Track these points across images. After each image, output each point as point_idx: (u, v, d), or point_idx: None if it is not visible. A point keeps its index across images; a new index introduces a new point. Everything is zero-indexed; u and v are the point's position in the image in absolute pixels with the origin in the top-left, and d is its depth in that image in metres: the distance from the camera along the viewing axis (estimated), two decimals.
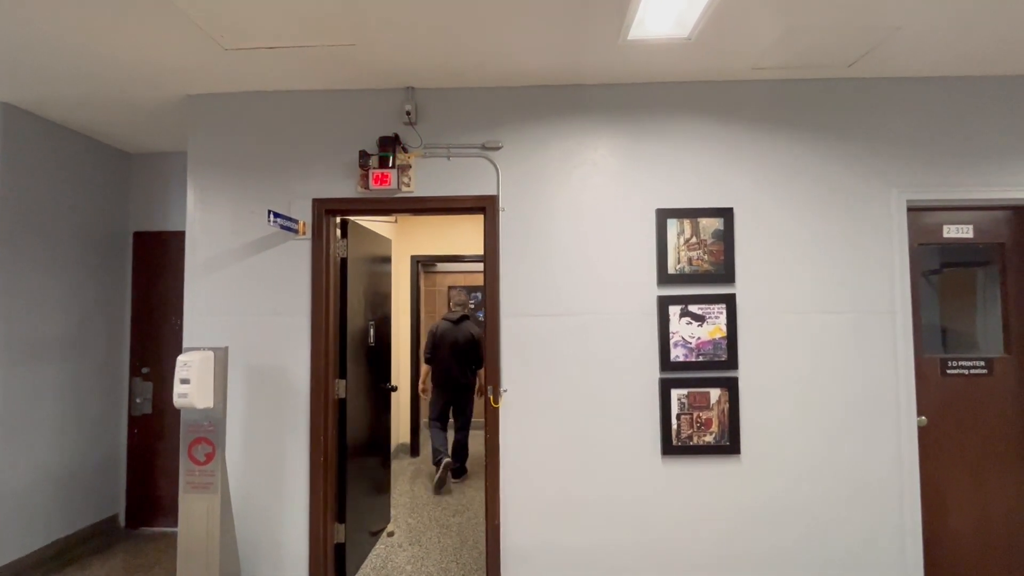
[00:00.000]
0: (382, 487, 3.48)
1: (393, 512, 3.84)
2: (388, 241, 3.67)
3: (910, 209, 2.67)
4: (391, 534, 3.46)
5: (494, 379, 2.66)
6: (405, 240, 5.49)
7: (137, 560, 3.16)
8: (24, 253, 3.00)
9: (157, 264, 3.72)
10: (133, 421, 3.66)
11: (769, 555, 2.57)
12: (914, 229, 2.69)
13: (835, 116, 2.66)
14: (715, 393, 2.59)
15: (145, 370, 3.68)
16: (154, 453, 3.63)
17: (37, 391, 3.07)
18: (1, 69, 2.53)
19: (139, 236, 3.74)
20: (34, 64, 2.48)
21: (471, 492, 4.24)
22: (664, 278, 2.63)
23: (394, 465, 5.03)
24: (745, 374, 2.61)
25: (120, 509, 3.62)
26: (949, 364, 2.65)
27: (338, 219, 2.90)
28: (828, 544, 2.56)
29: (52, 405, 3.17)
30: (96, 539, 3.42)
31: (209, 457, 2.43)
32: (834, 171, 2.65)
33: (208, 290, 2.76)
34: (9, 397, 2.90)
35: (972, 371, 2.64)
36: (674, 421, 2.59)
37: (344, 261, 2.91)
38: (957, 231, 2.71)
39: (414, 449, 5.36)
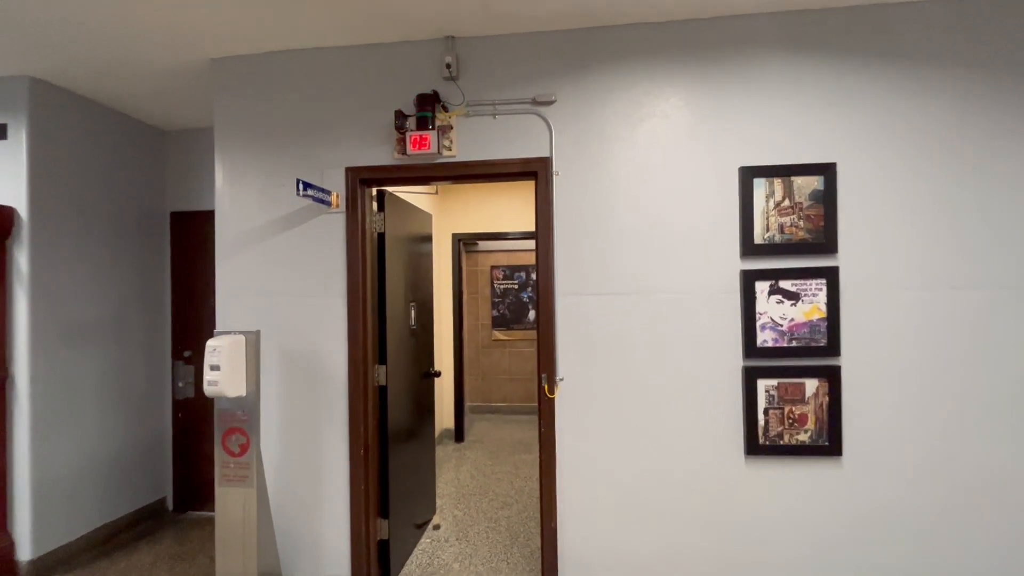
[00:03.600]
0: (427, 478, 3.28)
1: (439, 502, 3.65)
2: (429, 216, 3.41)
3: None
4: (437, 527, 3.27)
5: (549, 366, 2.36)
6: (445, 216, 5.23)
7: (183, 547, 3.09)
8: (61, 234, 2.90)
9: (194, 245, 3.60)
10: (177, 405, 3.60)
11: (874, 571, 2.19)
12: None
13: (978, 43, 2.15)
14: (811, 384, 2.20)
15: (187, 353, 3.59)
16: (199, 436, 3.56)
17: (80, 376, 3.00)
18: (24, 41, 2.39)
19: (176, 216, 3.62)
20: (55, 33, 2.31)
21: (519, 483, 4.00)
22: (749, 249, 2.23)
23: (438, 451, 4.86)
24: (849, 362, 2.19)
25: (168, 492, 3.59)
26: None
27: (374, 191, 2.64)
28: (947, 561, 2.15)
29: (96, 390, 3.11)
30: (144, 523, 3.39)
31: (244, 448, 2.26)
32: (968, 114, 2.15)
33: (239, 270, 2.57)
34: (52, 382, 2.84)
35: None
36: (760, 416, 2.22)
37: (382, 236, 2.66)
38: None
39: (459, 435, 5.18)
